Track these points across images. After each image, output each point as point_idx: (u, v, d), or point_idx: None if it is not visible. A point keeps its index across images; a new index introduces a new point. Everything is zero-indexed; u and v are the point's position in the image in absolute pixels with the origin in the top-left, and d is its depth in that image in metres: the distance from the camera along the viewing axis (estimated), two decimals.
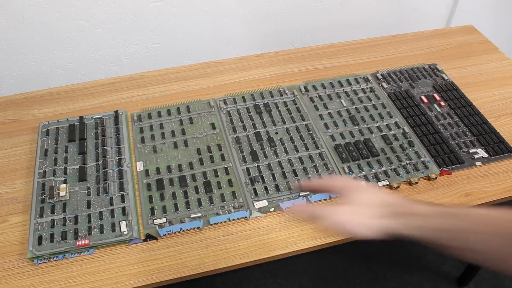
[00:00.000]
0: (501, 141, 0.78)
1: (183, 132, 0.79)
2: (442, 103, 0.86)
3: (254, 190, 0.70)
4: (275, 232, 0.66)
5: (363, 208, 0.45)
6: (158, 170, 0.72)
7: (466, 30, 1.08)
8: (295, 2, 1.07)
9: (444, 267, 1.30)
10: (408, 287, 1.26)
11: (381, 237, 0.44)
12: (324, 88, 0.88)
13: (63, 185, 0.69)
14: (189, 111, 0.83)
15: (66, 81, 1.03)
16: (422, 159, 0.75)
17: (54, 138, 0.77)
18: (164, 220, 0.66)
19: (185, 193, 0.69)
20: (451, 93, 0.88)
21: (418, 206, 0.44)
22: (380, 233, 0.44)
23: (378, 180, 0.72)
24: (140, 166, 0.73)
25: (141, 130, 0.79)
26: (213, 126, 0.80)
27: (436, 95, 0.87)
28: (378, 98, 0.87)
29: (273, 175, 0.72)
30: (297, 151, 0.76)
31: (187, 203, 0.68)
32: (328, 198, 0.69)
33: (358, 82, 0.90)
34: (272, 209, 0.68)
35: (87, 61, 1.02)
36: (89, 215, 0.66)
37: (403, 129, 0.80)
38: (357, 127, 0.80)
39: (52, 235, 0.63)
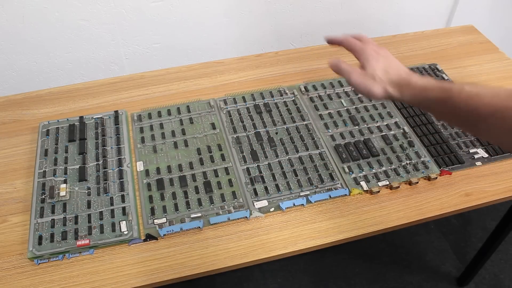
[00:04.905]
0: None
1: (183, 132, 0.79)
2: None
3: (254, 190, 0.70)
4: (275, 232, 0.66)
5: (372, 75, 0.58)
6: (158, 170, 0.72)
7: (466, 30, 1.08)
8: (295, 2, 1.07)
9: (444, 267, 1.30)
10: (408, 287, 1.26)
11: (382, 99, 0.58)
12: (324, 88, 0.88)
13: (63, 185, 0.69)
14: (189, 111, 0.83)
15: (66, 81, 1.03)
16: (422, 159, 0.75)
17: (54, 138, 0.77)
18: (164, 220, 0.66)
19: (185, 193, 0.69)
20: None
21: (418, 79, 0.55)
22: (382, 96, 0.58)
23: (378, 180, 0.72)
24: (140, 166, 0.73)
25: (141, 130, 0.79)
26: (213, 126, 0.80)
27: None
28: None
29: (273, 175, 0.72)
30: (297, 151, 0.76)
31: (187, 203, 0.68)
32: (328, 198, 0.70)
33: None
34: (272, 209, 0.68)
35: (87, 61, 1.02)
36: (89, 215, 0.66)
37: (403, 129, 0.80)
38: (357, 127, 0.80)
39: (52, 235, 0.63)
